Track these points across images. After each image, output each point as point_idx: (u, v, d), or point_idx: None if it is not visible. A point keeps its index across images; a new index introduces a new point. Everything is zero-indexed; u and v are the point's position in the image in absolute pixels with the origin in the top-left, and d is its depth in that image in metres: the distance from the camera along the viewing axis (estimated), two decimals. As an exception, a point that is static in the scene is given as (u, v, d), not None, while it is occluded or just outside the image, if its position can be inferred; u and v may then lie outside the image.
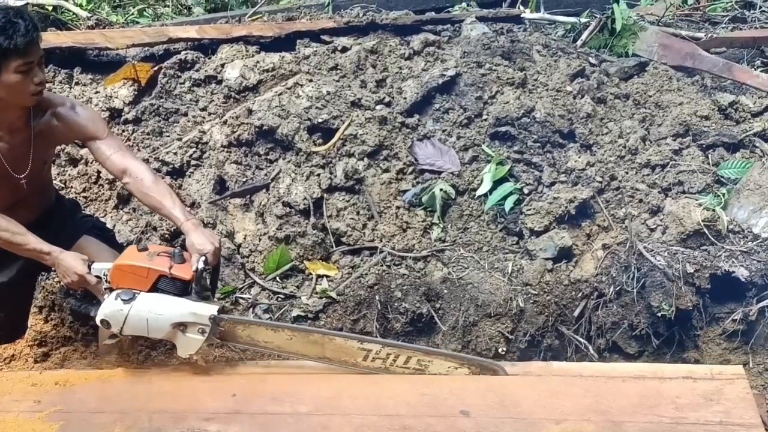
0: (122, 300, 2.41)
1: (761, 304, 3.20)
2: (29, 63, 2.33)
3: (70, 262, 2.47)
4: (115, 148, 2.62)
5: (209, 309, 2.43)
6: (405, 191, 3.66)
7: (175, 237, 3.56)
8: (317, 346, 2.51)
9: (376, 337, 3.32)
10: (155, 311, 2.41)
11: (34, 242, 2.49)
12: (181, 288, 2.44)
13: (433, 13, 4.73)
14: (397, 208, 3.62)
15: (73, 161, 3.83)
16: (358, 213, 3.60)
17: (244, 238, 3.62)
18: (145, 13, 5.53)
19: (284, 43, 4.23)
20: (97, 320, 2.45)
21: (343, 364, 2.52)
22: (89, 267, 2.49)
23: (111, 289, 2.46)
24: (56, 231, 2.70)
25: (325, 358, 2.53)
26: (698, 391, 2.32)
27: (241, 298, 3.42)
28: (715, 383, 2.35)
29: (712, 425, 2.19)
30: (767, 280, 3.18)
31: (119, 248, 2.80)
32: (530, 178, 3.67)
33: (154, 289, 2.44)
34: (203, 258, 2.44)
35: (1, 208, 2.51)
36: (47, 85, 3.90)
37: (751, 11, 5.16)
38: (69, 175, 3.84)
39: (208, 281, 2.50)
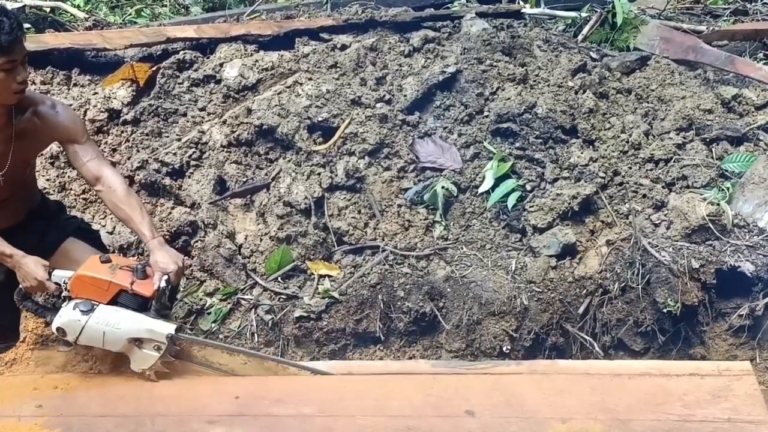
0: (80, 311, 2.40)
1: None
2: (13, 61, 2.31)
3: (30, 266, 2.46)
4: (92, 155, 2.62)
5: (167, 327, 2.42)
6: (406, 189, 3.65)
7: (175, 238, 3.54)
8: (270, 373, 2.54)
9: (380, 338, 3.31)
10: (113, 325, 2.40)
11: None
12: (141, 304, 2.44)
13: (432, 9, 4.70)
14: (399, 206, 3.60)
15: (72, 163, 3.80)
16: (359, 212, 3.58)
17: (245, 239, 3.60)
18: (142, 13, 5.50)
19: (283, 41, 4.21)
20: (53, 327, 2.45)
21: None
22: (50, 273, 2.47)
23: (69, 298, 2.45)
24: (41, 232, 2.70)
25: None
26: (705, 388, 2.30)
27: (243, 299, 3.41)
28: (723, 380, 2.32)
29: (720, 422, 2.16)
30: (773, 274, 3.17)
31: (105, 250, 2.80)
32: (533, 175, 3.65)
33: (113, 302, 2.44)
34: (166, 276, 2.44)
35: None
36: (46, 86, 3.93)
37: (753, 3, 5.14)
38: (68, 176, 3.82)
39: (167, 299, 2.49)
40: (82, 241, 2.77)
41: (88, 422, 2.33)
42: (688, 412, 2.20)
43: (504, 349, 3.26)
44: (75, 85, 4.03)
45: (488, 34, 4.14)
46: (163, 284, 2.43)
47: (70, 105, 3.73)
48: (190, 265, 3.50)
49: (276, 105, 3.78)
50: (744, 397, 2.24)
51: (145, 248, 2.60)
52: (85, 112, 3.88)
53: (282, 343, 3.30)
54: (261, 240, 3.56)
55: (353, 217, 3.56)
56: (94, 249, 2.77)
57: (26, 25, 4.22)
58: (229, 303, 3.38)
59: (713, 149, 3.70)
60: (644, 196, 3.54)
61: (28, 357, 3.36)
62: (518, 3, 4.88)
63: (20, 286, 2.53)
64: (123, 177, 2.81)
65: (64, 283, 2.46)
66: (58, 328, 2.44)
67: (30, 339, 3.38)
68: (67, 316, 2.42)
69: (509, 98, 3.80)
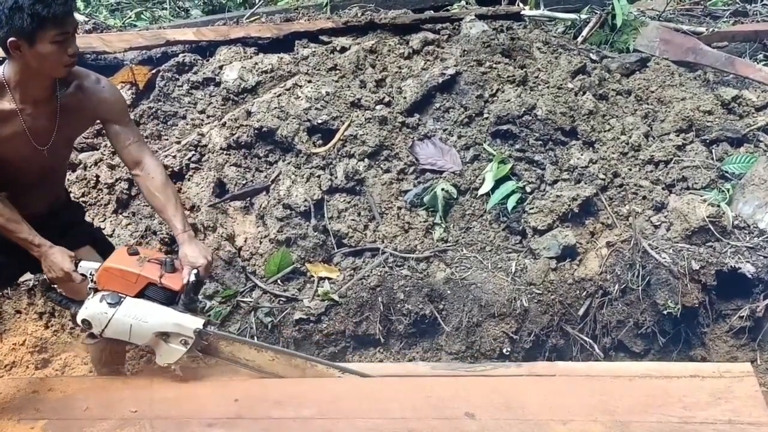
0: (108, 303, 2.39)
1: (768, 301, 3.17)
2: (65, 33, 2.26)
3: (57, 257, 2.43)
4: (133, 138, 2.58)
5: (195, 322, 2.41)
6: (406, 191, 3.64)
7: (174, 241, 3.53)
8: (298, 370, 2.53)
9: (380, 340, 3.30)
10: (140, 318, 2.39)
11: (26, 232, 2.43)
12: (169, 297, 2.43)
13: (432, 11, 4.71)
14: (399, 208, 3.59)
15: (72, 166, 3.80)
16: (359, 214, 3.58)
17: (245, 241, 3.59)
18: (142, 16, 5.51)
19: (282, 44, 4.21)
20: (78, 319, 2.42)
21: None
22: (76, 265, 2.45)
23: (96, 290, 2.43)
24: (62, 231, 2.62)
25: None
26: (706, 389, 2.30)
27: (243, 301, 3.40)
28: (723, 381, 2.32)
29: (721, 424, 2.16)
30: (774, 276, 3.16)
31: None
32: (532, 177, 3.64)
33: (140, 295, 2.42)
34: (195, 271, 2.43)
35: (20, 190, 2.45)
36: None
37: (752, 5, 5.14)
38: (68, 180, 3.81)
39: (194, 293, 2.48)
40: (96, 254, 2.68)
41: (88, 425, 2.32)
42: (689, 413, 2.20)
43: (504, 351, 3.25)
44: (74, 88, 4.03)
45: (488, 36, 4.14)
46: (192, 278, 2.41)
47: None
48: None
49: (275, 107, 3.78)
50: (745, 398, 2.24)
51: (175, 241, 2.55)
52: (85, 114, 3.87)
53: (282, 346, 3.28)
54: (260, 242, 3.56)
55: (353, 220, 3.55)
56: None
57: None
58: (228, 305, 3.37)
59: (713, 150, 3.69)
60: (644, 197, 3.54)
61: (27, 360, 3.37)
62: (518, 5, 4.88)
63: (45, 276, 2.49)
64: (163, 166, 2.75)
65: (90, 274, 2.43)
66: (83, 320, 2.41)
67: (30, 342, 3.39)
68: (93, 308, 2.39)
69: (509, 100, 3.79)
